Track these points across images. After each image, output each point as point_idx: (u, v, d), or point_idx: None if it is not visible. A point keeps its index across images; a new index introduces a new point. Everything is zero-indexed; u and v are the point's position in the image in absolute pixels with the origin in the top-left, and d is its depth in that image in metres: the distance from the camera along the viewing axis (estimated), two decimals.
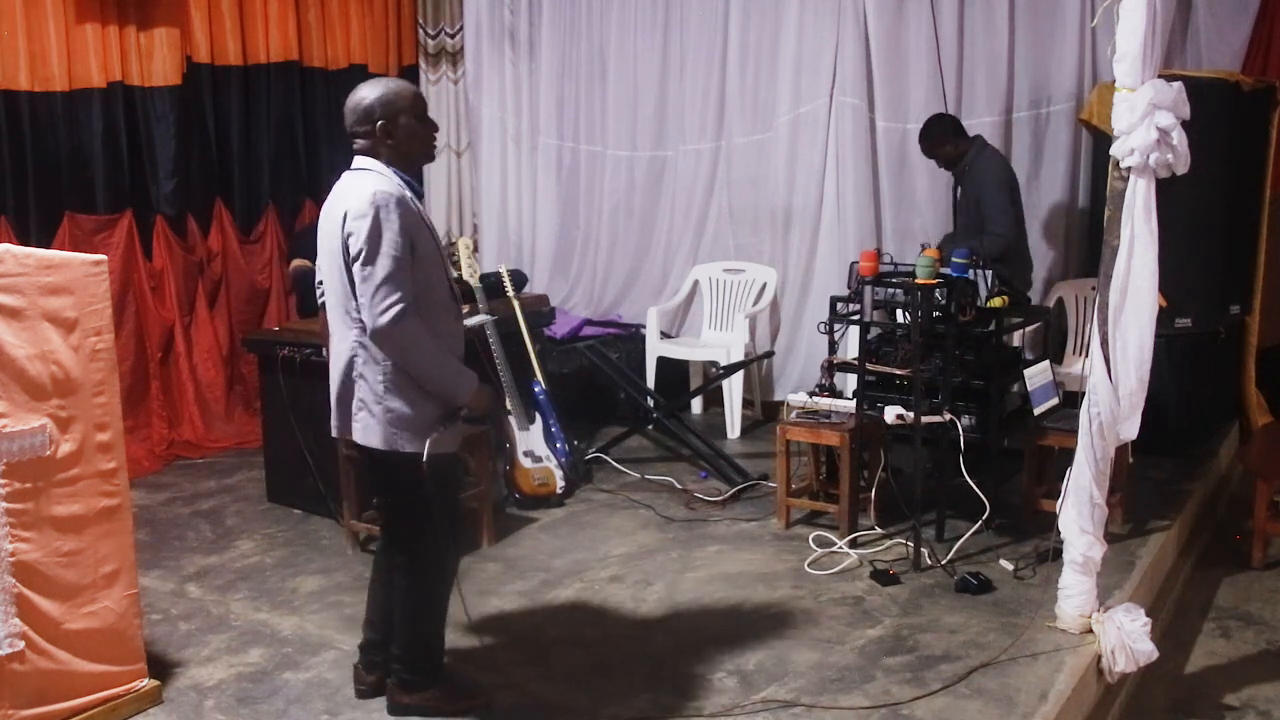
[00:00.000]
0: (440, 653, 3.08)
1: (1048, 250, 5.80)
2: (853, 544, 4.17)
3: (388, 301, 2.65)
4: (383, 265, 2.65)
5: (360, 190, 2.71)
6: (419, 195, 2.87)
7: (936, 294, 4.02)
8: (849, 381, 4.81)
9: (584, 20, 6.76)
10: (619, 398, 5.95)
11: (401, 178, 2.80)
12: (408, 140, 2.81)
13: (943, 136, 5.10)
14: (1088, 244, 5.66)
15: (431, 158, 2.99)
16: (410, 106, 2.80)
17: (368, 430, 2.83)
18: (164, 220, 5.67)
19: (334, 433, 2.93)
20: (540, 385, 4.85)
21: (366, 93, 2.80)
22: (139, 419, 5.51)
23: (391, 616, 3.04)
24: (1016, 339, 4.86)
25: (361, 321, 2.73)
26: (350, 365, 2.82)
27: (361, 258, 2.67)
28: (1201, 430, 5.37)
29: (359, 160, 2.82)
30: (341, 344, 2.85)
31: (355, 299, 2.73)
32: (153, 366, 5.64)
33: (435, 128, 2.91)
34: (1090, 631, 3.34)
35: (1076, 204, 5.78)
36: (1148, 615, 3.36)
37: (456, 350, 2.90)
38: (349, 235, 2.69)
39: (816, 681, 3.16)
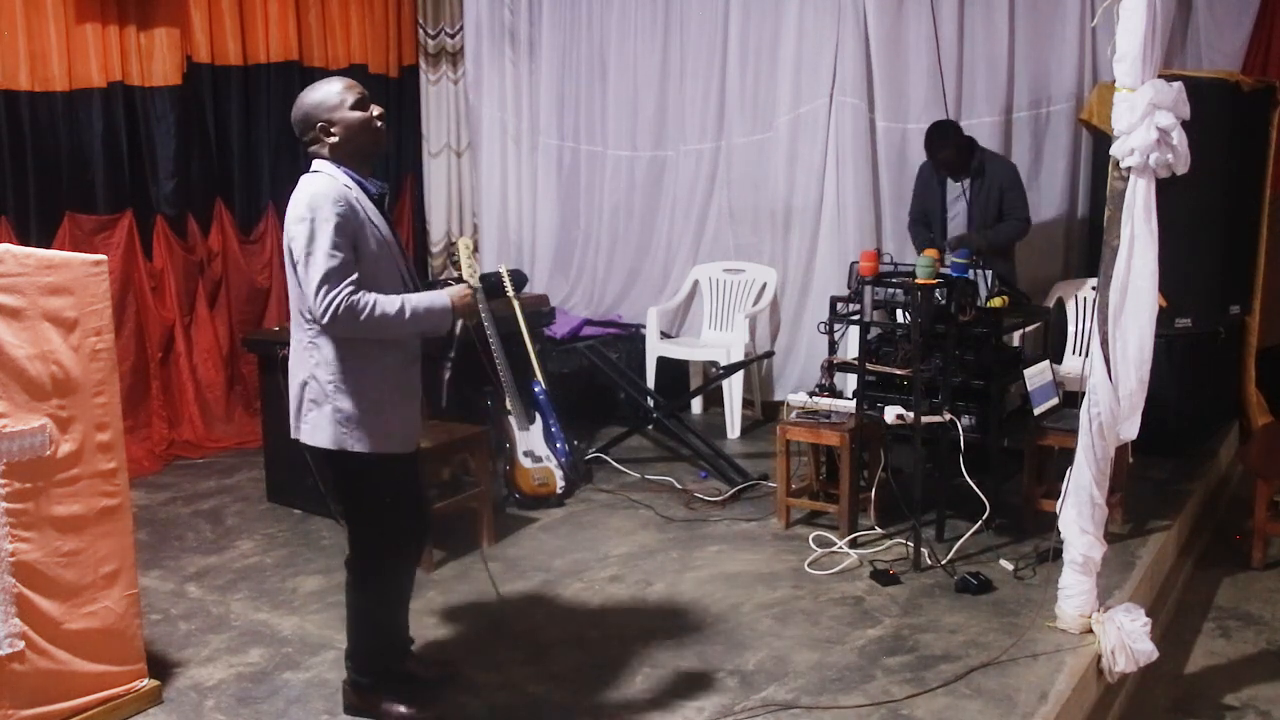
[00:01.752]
0: (382, 659, 3.05)
1: (1048, 250, 5.80)
2: (853, 544, 4.17)
3: (329, 299, 2.64)
4: (318, 263, 2.66)
5: (300, 194, 2.73)
6: (380, 193, 2.85)
7: (936, 294, 4.02)
8: (849, 381, 4.81)
9: (584, 20, 6.76)
10: (619, 398, 5.94)
11: (353, 177, 2.79)
12: (349, 135, 2.78)
13: (961, 138, 5.15)
14: (1088, 244, 5.66)
15: (380, 144, 2.90)
16: (343, 102, 2.78)
17: (316, 430, 2.82)
18: (164, 220, 5.67)
19: (292, 434, 2.92)
20: (540, 385, 4.85)
21: (301, 100, 2.82)
22: (139, 419, 5.51)
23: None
24: (1017, 338, 4.88)
25: (312, 323, 2.78)
26: (303, 366, 2.84)
27: (301, 261, 2.68)
28: (1201, 430, 5.37)
29: (313, 163, 2.83)
30: (296, 344, 2.87)
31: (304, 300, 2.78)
32: (153, 366, 5.63)
33: (372, 113, 2.83)
34: (1090, 631, 3.34)
35: (1076, 204, 5.79)
36: (1148, 615, 3.36)
37: (411, 348, 2.89)
38: (291, 240, 2.71)
39: (816, 681, 3.16)
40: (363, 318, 2.67)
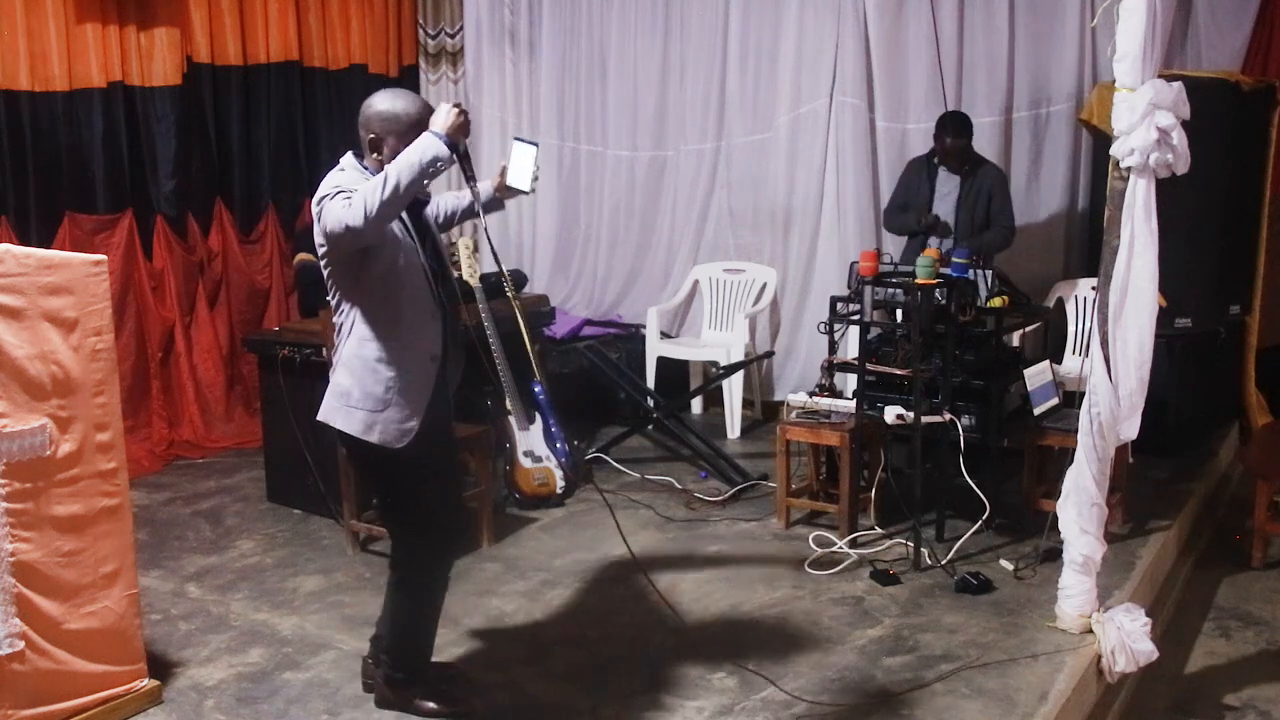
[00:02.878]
0: (425, 654, 3.08)
1: (1048, 250, 5.80)
2: (853, 544, 4.17)
3: (349, 206, 2.59)
4: (333, 200, 2.65)
5: (326, 181, 2.75)
6: None
7: (936, 294, 4.02)
8: (849, 381, 4.81)
9: (584, 20, 6.76)
10: (619, 398, 5.94)
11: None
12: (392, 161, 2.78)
13: (972, 131, 5.17)
14: (1088, 244, 5.66)
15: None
16: (406, 133, 2.73)
17: (325, 401, 2.89)
18: (164, 220, 5.67)
19: None
20: (540, 385, 4.85)
21: (374, 102, 2.81)
22: (139, 419, 5.51)
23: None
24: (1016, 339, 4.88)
25: (339, 313, 2.83)
26: (338, 349, 2.89)
27: (323, 211, 2.66)
28: (1201, 430, 5.37)
29: (343, 159, 2.84)
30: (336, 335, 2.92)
31: (335, 298, 2.83)
32: (153, 366, 5.63)
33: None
34: (1090, 631, 3.34)
35: (1076, 204, 5.79)
36: (1148, 615, 3.36)
37: (430, 349, 2.86)
38: (319, 214, 2.69)
39: (816, 681, 3.16)
40: (373, 196, 2.57)
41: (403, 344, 2.82)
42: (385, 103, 2.79)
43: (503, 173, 3.05)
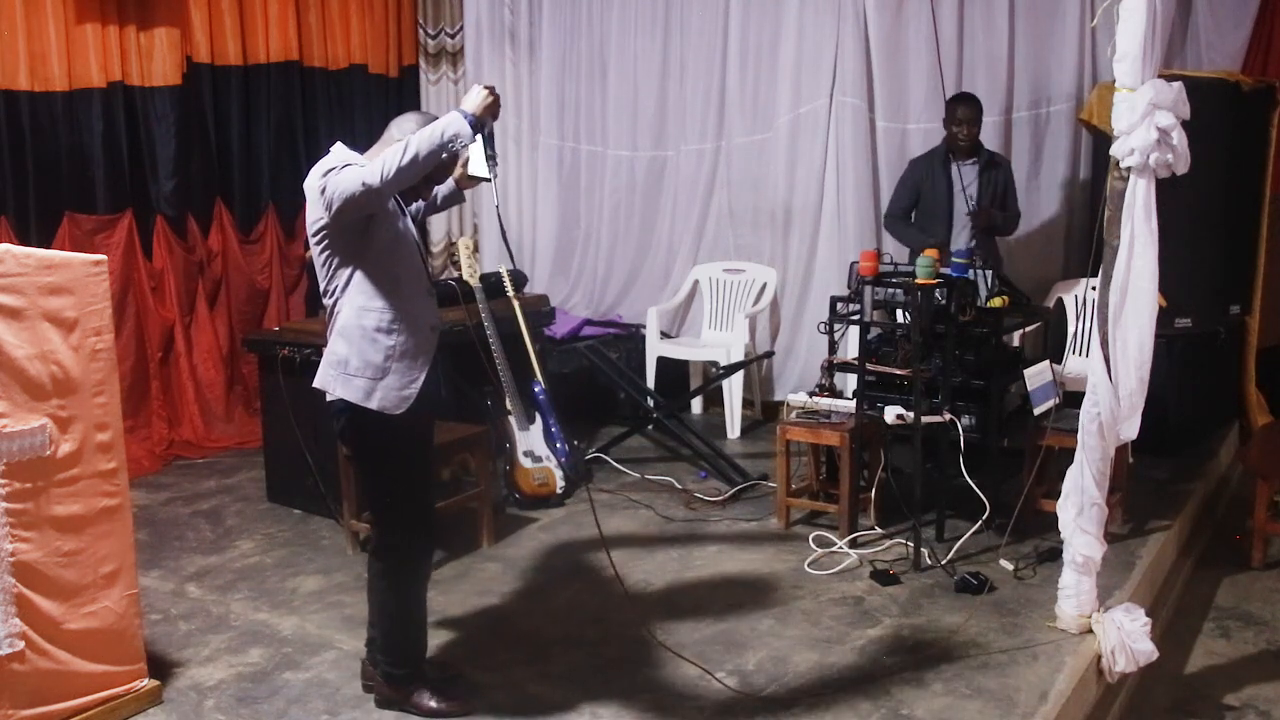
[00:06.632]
0: (420, 646, 3.09)
1: (1048, 250, 5.80)
2: (853, 544, 4.17)
3: (366, 168, 2.67)
4: (349, 167, 2.72)
5: (323, 163, 2.79)
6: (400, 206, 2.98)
7: (936, 294, 4.02)
8: (849, 381, 4.81)
9: (584, 20, 6.77)
10: (619, 398, 5.95)
11: None
12: None
13: (981, 108, 5.17)
14: (1088, 244, 5.65)
15: (415, 193, 3.01)
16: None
17: (319, 374, 2.91)
18: (164, 220, 5.67)
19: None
20: (540, 385, 4.85)
21: (402, 118, 2.90)
22: (139, 419, 5.51)
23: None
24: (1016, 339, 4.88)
25: (333, 294, 2.86)
26: (331, 333, 2.91)
27: (333, 180, 2.70)
28: (1201, 430, 5.37)
29: (334, 148, 2.85)
30: (330, 323, 2.92)
31: (328, 279, 2.86)
32: (153, 366, 5.64)
33: (428, 184, 2.95)
34: (1090, 631, 3.34)
35: (1076, 204, 5.79)
36: (1148, 615, 3.36)
37: (430, 319, 2.94)
38: (324, 185, 2.72)
39: (816, 681, 3.16)
40: (388, 162, 2.64)
41: (403, 314, 2.86)
42: (407, 126, 2.86)
43: (465, 164, 3.06)
